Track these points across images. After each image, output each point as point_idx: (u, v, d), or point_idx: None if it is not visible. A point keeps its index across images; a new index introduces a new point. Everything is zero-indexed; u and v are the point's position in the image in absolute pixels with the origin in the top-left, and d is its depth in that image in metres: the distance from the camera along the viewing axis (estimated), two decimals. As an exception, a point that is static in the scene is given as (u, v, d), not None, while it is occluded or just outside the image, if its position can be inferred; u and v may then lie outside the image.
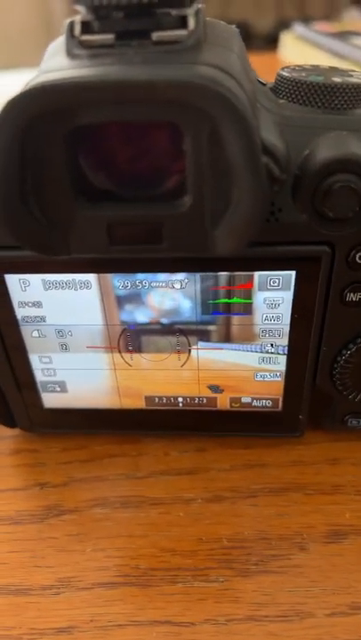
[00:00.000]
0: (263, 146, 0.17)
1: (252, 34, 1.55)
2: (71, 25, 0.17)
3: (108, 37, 0.16)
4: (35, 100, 0.15)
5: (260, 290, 0.22)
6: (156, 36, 0.16)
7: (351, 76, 0.21)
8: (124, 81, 0.15)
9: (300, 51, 0.78)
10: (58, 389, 0.26)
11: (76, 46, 0.17)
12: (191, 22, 0.16)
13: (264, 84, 0.21)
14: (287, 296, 0.22)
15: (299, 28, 0.82)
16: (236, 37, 0.19)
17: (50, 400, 0.27)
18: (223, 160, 0.16)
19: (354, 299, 0.22)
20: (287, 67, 0.21)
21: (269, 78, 0.22)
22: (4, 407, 0.27)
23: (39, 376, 0.26)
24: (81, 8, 0.16)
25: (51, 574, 0.23)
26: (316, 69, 0.21)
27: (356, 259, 0.21)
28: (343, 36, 0.73)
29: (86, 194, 0.18)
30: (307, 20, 0.96)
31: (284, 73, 0.21)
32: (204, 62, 0.16)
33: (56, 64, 0.16)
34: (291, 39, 0.82)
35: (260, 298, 0.22)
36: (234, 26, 0.20)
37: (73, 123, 0.16)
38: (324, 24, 0.85)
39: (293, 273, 0.22)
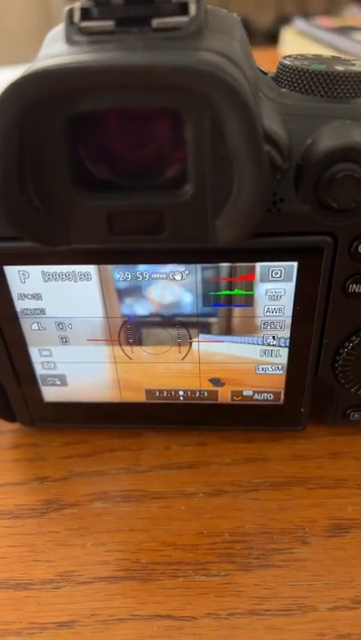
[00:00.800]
0: (265, 134, 0.17)
1: (253, 30, 1.55)
2: (70, 12, 0.16)
3: (108, 24, 0.16)
4: (34, 85, 0.15)
5: (261, 281, 0.22)
6: (156, 22, 0.16)
7: (354, 64, 0.21)
8: (125, 66, 0.15)
9: (300, 46, 0.77)
10: (58, 383, 0.26)
11: (75, 33, 0.16)
12: (192, 9, 0.16)
13: (265, 74, 0.21)
14: (289, 287, 0.22)
15: (299, 24, 0.81)
16: (237, 25, 0.19)
17: (50, 394, 0.27)
18: (225, 148, 0.16)
19: (356, 290, 0.22)
20: (289, 55, 0.21)
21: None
22: (3, 401, 0.27)
23: (39, 369, 0.26)
24: (80, -6, 0.16)
25: (51, 568, 0.23)
26: (318, 58, 0.21)
27: (359, 249, 0.21)
28: (344, 31, 0.73)
29: (86, 183, 0.18)
30: (307, 15, 0.96)
31: (286, 61, 0.20)
32: (206, 48, 0.16)
33: (55, 50, 0.16)
34: (291, 35, 0.82)
35: (261, 289, 0.22)
36: (235, 14, 0.19)
37: (73, 109, 0.16)
38: (325, 19, 0.85)
39: (295, 264, 0.21)
